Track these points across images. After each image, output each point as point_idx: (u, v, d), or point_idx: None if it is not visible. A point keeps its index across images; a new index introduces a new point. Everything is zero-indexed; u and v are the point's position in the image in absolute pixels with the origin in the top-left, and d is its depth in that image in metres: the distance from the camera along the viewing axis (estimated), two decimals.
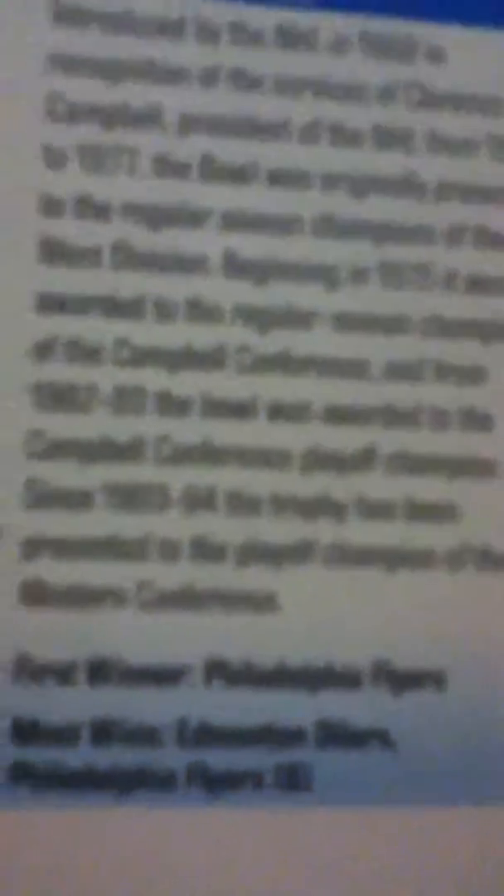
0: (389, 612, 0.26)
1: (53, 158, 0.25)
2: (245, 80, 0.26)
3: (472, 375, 0.27)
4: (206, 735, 0.25)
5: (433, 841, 0.26)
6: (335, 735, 0.26)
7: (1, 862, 0.25)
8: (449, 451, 0.27)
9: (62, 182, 0.25)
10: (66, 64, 0.25)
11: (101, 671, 0.25)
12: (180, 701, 0.25)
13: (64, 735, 0.25)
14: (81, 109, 0.25)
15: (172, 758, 0.25)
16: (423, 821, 0.26)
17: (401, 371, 0.26)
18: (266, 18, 0.26)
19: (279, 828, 0.26)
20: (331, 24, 0.26)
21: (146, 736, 0.25)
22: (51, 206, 0.25)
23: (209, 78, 0.26)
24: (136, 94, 0.25)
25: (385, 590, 0.26)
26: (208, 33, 0.26)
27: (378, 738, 0.26)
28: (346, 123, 0.26)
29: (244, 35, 0.26)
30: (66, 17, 0.25)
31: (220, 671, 0.25)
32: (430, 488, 0.27)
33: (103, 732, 0.25)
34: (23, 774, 0.25)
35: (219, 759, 0.25)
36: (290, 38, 0.26)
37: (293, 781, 0.26)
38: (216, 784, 0.25)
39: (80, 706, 0.25)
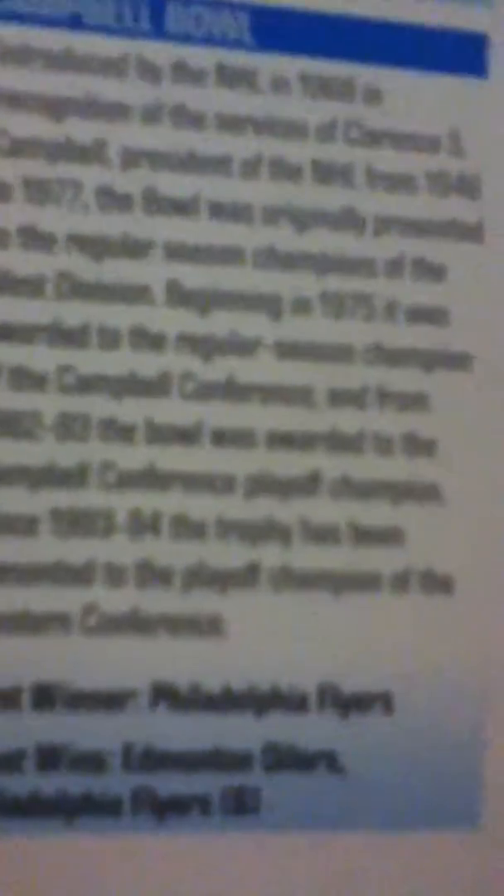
0: (336, 635, 0.27)
1: None
2: (187, 117, 0.27)
3: (415, 402, 0.28)
4: (153, 760, 0.26)
5: (382, 866, 0.26)
6: (283, 758, 0.26)
7: None
8: (393, 475, 0.28)
9: (8, 213, 0.26)
10: (10, 100, 0.26)
11: (45, 696, 0.25)
12: (126, 725, 0.26)
13: (8, 761, 0.25)
14: (25, 144, 0.26)
15: (118, 783, 0.26)
16: (372, 845, 0.26)
17: (344, 398, 0.27)
18: (207, 58, 0.27)
19: (227, 853, 0.26)
20: (271, 64, 0.27)
21: (92, 761, 0.25)
22: None
23: (151, 114, 0.27)
24: (79, 130, 0.26)
25: (331, 613, 0.27)
26: (150, 71, 0.27)
27: (326, 760, 0.26)
28: (286, 159, 0.27)
29: (186, 73, 0.27)
30: (9, 54, 0.26)
31: (166, 695, 0.26)
32: (375, 512, 0.27)
33: (49, 758, 0.25)
34: None
35: (165, 783, 0.26)
36: (230, 77, 0.27)
37: (241, 805, 0.26)
38: (163, 809, 0.26)
39: (24, 731, 0.25)
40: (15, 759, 0.26)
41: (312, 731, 0.27)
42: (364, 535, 0.28)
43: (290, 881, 0.26)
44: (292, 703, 0.27)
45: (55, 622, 0.26)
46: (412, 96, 0.29)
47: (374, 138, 0.28)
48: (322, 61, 0.28)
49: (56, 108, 0.27)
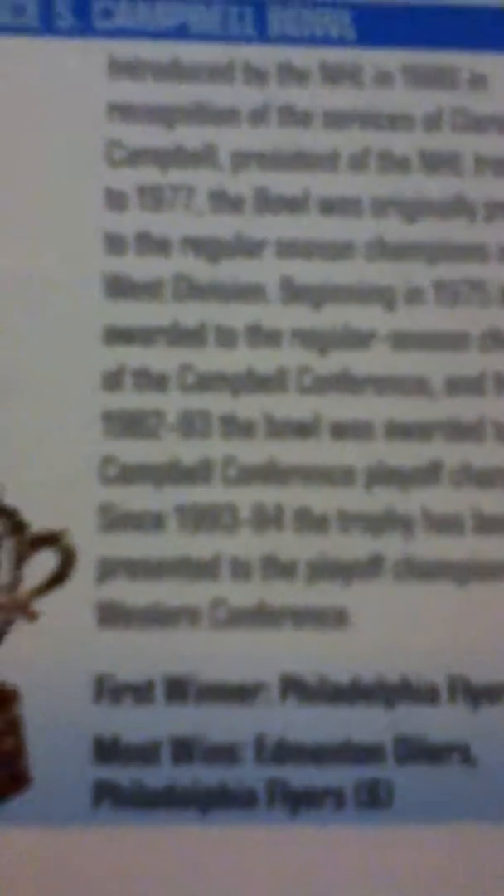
0: (462, 625, 0.28)
1: (115, 200, 0.28)
2: (293, 116, 0.28)
3: None
4: (285, 752, 0.27)
5: None
6: (414, 750, 0.27)
7: (84, 880, 0.26)
8: None
9: (124, 221, 0.28)
10: (124, 112, 0.28)
11: (178, 689, 0.27)
12: (257, 718, 0.27)
13: (144, 753, 0.27)
14: (139, 153, 0.28)
15: (252, 775, 0.27)
16: None
17: (461, 386, 0.28)
18: (310, 57, 0.28)
19: (361, 845, 0.27)
20: (373, 58, 0.29)
21: (225, 753, 0.27)
22: (114, 245, 0.28)
23: (259, 116, 0.28)
24: (190, 136, 0.28)
25: (457, 603, 0.28)
26: (256, 74, 0.28)
27: (458, 753, 0.27)
28: (393, 151, 0.29)
29: (290, 74, 0.28)
30: (122, 68, 0.28)
31: (295, 687, 0.27)
32: (498, 500, 0.28)
33: (183, 750, 0.27)
34: (105, 793, 0.27)
35: (299, 775, 0.27)
36: (334, 74, 0.28)
37: (374, 798, 0.27)
38: (297, 801, 0.27)
39: (159, 724, 0.27)
40: (151, 752, 0.27)
41: (443, 722, 0.28)
42: (487, 523, 0.29)
43: (423, 873, 0.27)
44: (422, 694, 0.28)
45: (185, 616, 0.28)
46: None
47: (480, 124, 0.30)
48: (424, 52, 0.29)
49: (166, 116, 0.29)
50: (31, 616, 0.28)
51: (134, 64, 0.30)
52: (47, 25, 0.30)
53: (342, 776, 0.28)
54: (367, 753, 0.28)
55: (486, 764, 0.28)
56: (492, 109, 0.30)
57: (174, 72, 0.30)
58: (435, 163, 0.30)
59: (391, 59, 0.30)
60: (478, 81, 0.30)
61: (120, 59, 0.30)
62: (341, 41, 0.30)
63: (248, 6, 0.30)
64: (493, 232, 0.30)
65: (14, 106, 0.29)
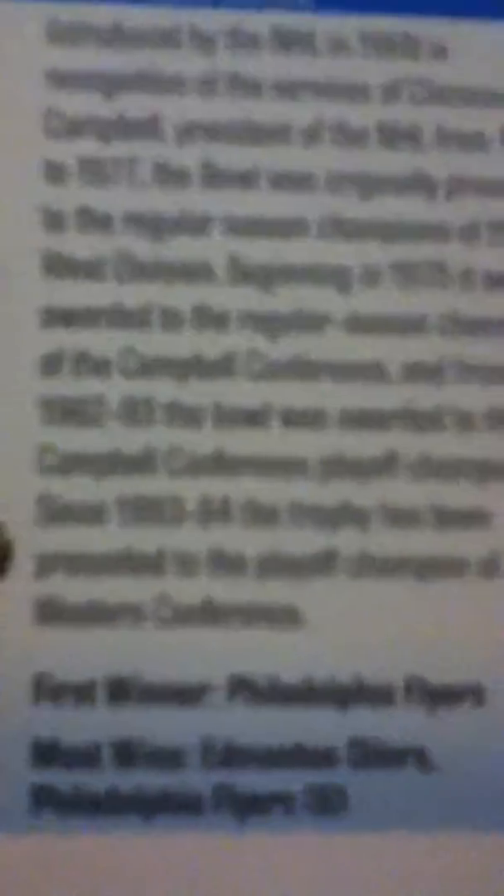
0: (421, 624, 0.29)
1: (54, 173, 0.28)
2: (243, 86, 0.29)
3: (498, 374, 0.29)
4: (233, 756, 0.28)
5: (476, 865, 0.28)
6: (369, 754, 0.28)
7: (23, 890, 0.27)
8: (476, 453, 0.29)
9: (63, 196, 0.28)
10: (63, 79, 0.28)
11: (120, 690, 0.28)
12: (204, 720, 0.28)
13: (85, 757, 0.28)
14: (79, 123, 0.28)
15: (198, 780, 0.28)
16: (465, 844, 0.28)
17: (420, 372, 0.29)
18: (262, 23, 0.29)
19: (313, 852, 0.28)
20: (329, 25, 0.29)
21: (170, 757, 0.28)
22: (53, 221, 0.28)
23: (207, 85, 0.29)
24: (133, 106, 0.28)
25: (415, 601, 0.29)
26: (204, 41, 0.29)
27: (415, 756, 0.28)
28: (349, 123, 0.29)
29: (240, 40, 0.29)
30: (61, 33, 0.28)
31: (244, 689, 0.28)
32: (458, 493, 0.29)
33: (126, 754, 0.28)
34: (44, 798, 0.27)
35: (247, 780, 0.28)
36: (287, 42, 0.29)
37: (326, 804, 0.28)
38: (245, 807, 0.28)
39: (100, 726, 0.28)
40: (92, 755, 0.28)
41: (400, 725, 0.29)
42: (447, 518, 0.30)
43: (379, 882, 0.28)
44: (378, 696, 0.29)
45: (128, 613, 0.29)
46: (480, 49, 0.30)
47: (441, 96, 0.30)
48: (382, 18, 0.30)
49: (108, 84, 0.29)
50: None
51: (74, 28, 0.30)
52: None
53: (293, 781, 0.29)
54: (319, 757, 0.29)
55: (443, 768, 0.29)
56: (454, 80, 0.31)
57: (117, 37, 0.30)
58: (393, 136, 0.31)
59: (347, 25, 0.31)
60: (439, 51, 0.31)
61: (59, 23, 0.30)
62: (295, 6, 0.31)
63: None
64: (454, 210, 0.31)
65: None
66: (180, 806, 0.29)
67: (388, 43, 0.31)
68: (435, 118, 0.31)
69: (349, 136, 0.31)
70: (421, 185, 0.31)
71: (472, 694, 0.30)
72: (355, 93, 0.31)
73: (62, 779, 0.29)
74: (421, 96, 0.31)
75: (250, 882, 0.29)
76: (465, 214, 0.31)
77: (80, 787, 0.29)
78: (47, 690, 0.29)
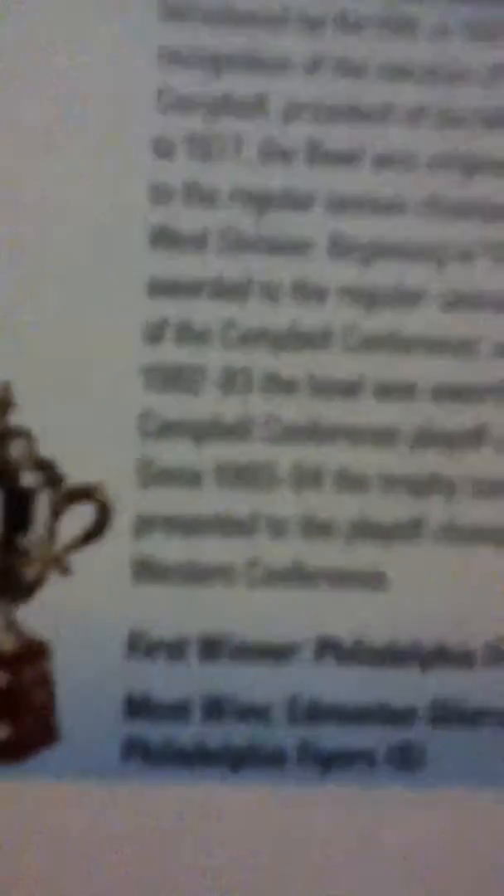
0: (501, 591, 0.29)
1: (162, 148, 0.30)
2: (348, 68, 0.30)
3: None
4: (317, 713, 0.29)
5: None
6: (449, 714, 0.29)
7: (112, 835, 0.29)
8: None
9: (171, 171, 0.30)
10: (175, 58, 0.30)
11: (211, 647, 0.29)
12: (291, 678, 0.29)
13: (175, 711, 0.29)
14: (189, 100, 0.30)
15: (283, 735, 0.29)
16: None
17: None
18: (367, 7, 0.30)
19: (392, 807, 0.29)
20: (433, 10, 0.30)
21: (256, 713, 0.29)
22: (160, 194, 0.30)
23: (313, 67, 0.30)
24: (240, 85, 0.30)
25: (497, 568, 0.30)
26: (310, 22, 0.30)
27: (493, 717, 0.29)
28: (451, 106, 0.30)
29: (346, 24, 0.30)
30: (173, 13, 0.30)
31: (330, 649, 0.29)
32: None
33: (214, 709, 0.29)
34: (134, 749, 0.29)
35: (330, 736, 0.29)
36: (392, 26, 0.30)
37: (406, 760, 0.29)
38: (327, 762, 0.29)
39: (191, 682, 0.29)
40: (182, 710, 0.30)
41: (479, 687, 0.30)
42: None
43: (454, 835, 0.30)
44: (458, 658, 0.30)
45: (220, 574, 0.30)
46: None
47: None
48: (484, 4, 0.31)
49: (217, 63, 0.30)
50: (66, 570, 0.31)
51: (185, 9, 0.32)
52: None
53: (374, 738, 0.31)
54: (400, 716, 0.31)
55: None
56: None
57: (226, 18, 0.32)
58: (494, 119, 0.32)
59: (451, 11, 0.32)
60: None
61: (171, 4, 0.32)
62: None
63: None
64: None
65: (67, 49, 0.31)
66: (265, 760, 0.31)
67: (490, 28, 0.32)
68: None
69: (451, 119, 0.32)
70: None
71: None
72: (457, 76, 0.32)
73: (153, 731, 0.31)
74: None
75: (331, 832, 0.30)
76: None
77: (170, 739, 0.31)
78: (141, 646, 0.31)
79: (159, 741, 0.30)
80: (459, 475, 0.31)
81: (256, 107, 0.32)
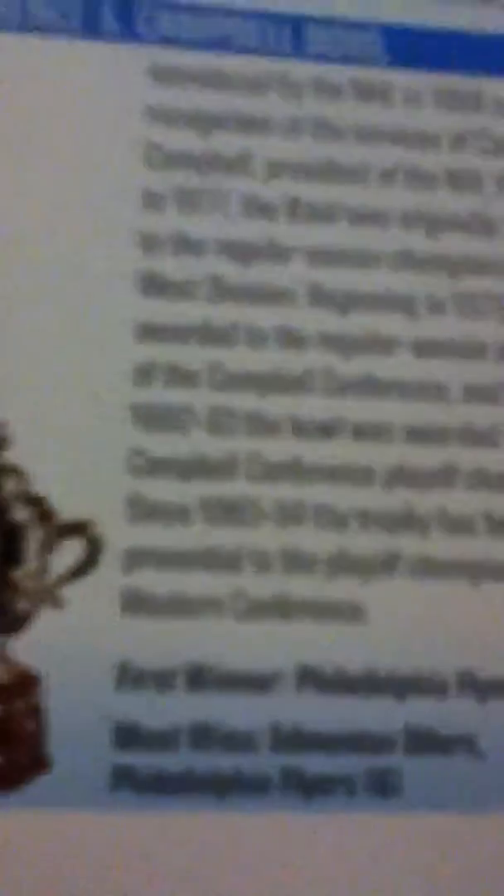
0: (473, 623, 0.32)
1: (151, 201, 0.32)
2: (326, 130, 0.32)
3: None
4: (299, 740, 0.31)
5: None
6: (423, 741, 0.31)
7: (101, 864, 0.30)
8: None
9: (160, 222, 0.31)
10: (163, 116, 0.32)
11: (198, 677, 0.30)
12: (274, 706, 0.31)
13: (163, 739, 0.30)
14: (177, 157, 0.32)
15: (267, 762, 0.30)
16: None
17: (478, 394, 0.32)
18: (344, 74, 0.32)
19: (371, 832, 0.30)
20: (404, 79, 0.33)
21: (241, 741, 0.30)
22: (150, 244, 0.31)
23: (293, 128, 0.32)
24: (226, 143, 0.32)
25: (469, 601, 0.32)
26: (291, 88, 0.32)
27: (465, 744, 0.31)
28: (420, 167, 0.33)
29: (324, 89, 0.32)
30: (162, 74, 0.32)
31: (311, 678, 0.31)
32: None
33: (201, 737, 0.30)
34: (123, 778, 0.30)
35: (312, 763, 0.30)
36: (366, 92, 0.33)
37: (384, 786, 0.31)
38: (310, 788, 0.30)
39: (178, 711, 0.30)
40: (170, 738, 0.31)
41: (452, 715, 0.32)
42: (499, 525, 0.32)
43: (431, 861, 0.31)
44: (432, 688, 0.32)
45: (206, 606, 0.31)
46: None
47: (502, 147, 0.34)
48: (452, 76, 0.34)
49: (204, 123, 0.32)
50: (58, 603, 0.32)
51: (174, 71, 0.34)
52: (92, 29, 0.33)
53: (354, 765, 0.32)
54: (378, 743, 0.32)
55: (493, 756, 0.32)
56: None
57: (213, 81, 0.34)
58: (459, 181, 0.35)
59: (421, 80, 0.35)
60: (501, 106, 0.35)
61: (161, 66, 0.34)
62: (374, 61, 0.34)
63: (286, 23, 0.34)
64: None
65: (58, 105, 0.33)
66: (250, 787, 0.32)
67: (457, 97, 0.35)
68: (497, 167, 0.35)
69: (420, 180, 0.35)
70: (483, 225, 0.35)
71: None
72: (426, 141, 0.35)
73: (142, 760, 0.32)
74: (485, 147, 0.35)
75: (314, 858, 0.32)
76: None
77: (158, 768, 0.32)
78: (130, 677, 0.32)
79: (148, 770, 0.32)
80: (431, 512, 0.33)
81: (240, 164, 0.34)
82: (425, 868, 0.32)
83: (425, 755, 0.32)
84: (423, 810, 0.32)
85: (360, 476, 0.33)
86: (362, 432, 0.33)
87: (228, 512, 0.33)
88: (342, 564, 0.33)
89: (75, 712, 0.31)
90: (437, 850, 0.32)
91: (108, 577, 0.32)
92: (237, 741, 0.32)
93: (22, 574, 0.32)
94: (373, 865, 0.32)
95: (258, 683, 0.32)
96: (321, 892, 0.32)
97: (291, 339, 0.33)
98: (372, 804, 0.32)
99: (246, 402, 0.33)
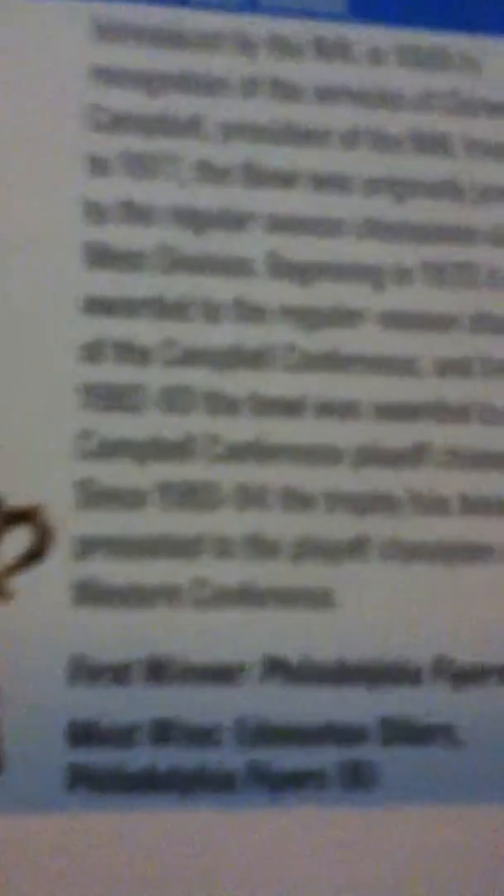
0: (448, 607, 0.30)
1: (96, 166, 0.30)
2: (284, 90, 0.31)
3: None
4: (266, 734, 0.29)
5: (500, 838, 0.29)
6: (398, 732, 0.30)
7: (58, 867, 0.28)
8: (501, 445, 0.31)
9: (106, 189, 0.30)
10: (107, 76, 0.30)
11: (157, 670, 0.29)
12: (238, 699, 0.29)
13: (122, 736, 0.29)
14: (123, 119, 0.30)
15: (232, 758, 0.29)
16: (493, 818, 0.29)
17: (450, 367, 0.31)
18: (303, 30, 0.31)
19: (345, 827, 0.29)
20: (367, 35, 0.31)
21: (205, 735, 0.29)
22: (95, 212, 0.30)
23: (249, 88, 0.31)
24: (177, 105, 0.30)
25: (442, 585, 0.30)
26: (247, 45, 0.31)
27: (443, 734, 0.30)
28: (384, 130, 0.31)
29: (282, 46, 0.31)
30: (106, 31, 0.30)
31: (278, 669, 0.29)
32: (484, 483, 0.31)
33: (162, 732, 0.29)
34: (80, 778, 0.28)
35: (280, 758, 0.29)
36: (327, 50, 0.31)
37: (357, 780, 0.29)
38: (278, 784, 0.29)
39: (137, 706, 0.29)
40: (129, 735, 0.29)
41: (428, 704, 0.30)
42: (473, 505, 0.31)
43: (408, 855, 0.30)
44: (406, 676, 0.30)
45: (165, 595, 0.30)
46: None
47: (470, 108, 0.32)
48: (417, 32, 0.32)
49: (152, 83, 0.31)
50: (6, 595, 0.30)
51: (118, 27, 0.32)
52: None
53: (325, 758, 0.31)
54: (350, 735, 0.31)
55: (471, 745, 0.31)
56: (484, 93, 0.33)
57: (162, 38, 0.32)
58: (425, 144, 0.33)
59: (384, 37, 0.33)
60: (470, 64, 0.33)
61: (104, 22, 0.32)
62: (334, 16, 0.33)
63: None
64: (483, 215, 0.33)
65: None
66: (215, 783, 0.30)
67: (421, 54, 0.33)
68: (464, 128, 0.33)
69: (384, 142, 0.33)
70: (451, 190, 0.33)
71: (497, 673, 0.31)
72: (389, 101, 0.33)
73: (99, 758, 0.30)
74: (452, 107, 0.33)
75: (283, 857, 0.30)
76: (492, 219, 0.33)
77: (117, 766, 0.30)
78: (83, 672, 0.30)
79: (105, 768, 0.30)
80: (402, 492, 0.32)
81: (192, 127, 0.32)
82: (404, 862, 0.31)
83: (401, 746, 0.31)
84: (401, 803, 0.31)
85: (326, 456, 0.32)
86: (328, 410, 0.32)
87: (186, 496, 0.31)
88: (309, 549, 0.31)
89: (27, 710, 0.30)
90: (416, 843, 0.31)
91: (59, 567, 0.30)
92: (200, 736, 0.30)
93: None
94: (349, 861, 0.30)
95: (222, 675, 0.31)
96: (295, 889, 0.30)
97: (250, 312, 0.32)
98: (346, 798, 0.31)
99: (203, 379, 0.31)
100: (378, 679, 0.31)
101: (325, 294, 0.32)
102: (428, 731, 0.31)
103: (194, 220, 0.32)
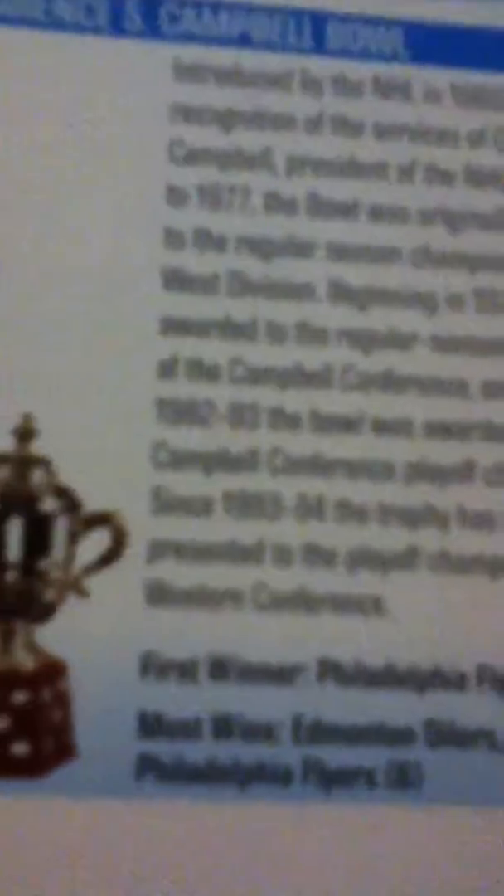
0: (492, 617, 0.32)
1: (176, 197, 0.33)
2: (346, 126, 0.33)
3: None
4: (320, 732, 0.32)
5: None
6: (443, 735, 0.32)
7: (125, 851, 0.31)
8: None
9: (183, 218, 0.32)
10: (186, 113, 0.33)
11: (220, 668, 0.31)
12: (295, 698, 0.32)
13: (187, 729, 0.31)
14: (200, 153, 0.33)
15: (288, 753, 0.31)
16: None
17: (497, 390, 0.33)
18: (364, 71, 0.33)
19: (391, 824, 0.31)
20: (424, 75, 0.34)
21: (263, 731, 0.31)
22: (174, 240, 0.32)
23: (314, 124, 0.33)
24: (248, 139, 0.33)
25: (488, 596, 0.33)
26: (312, 84, 0.33)
27: (485, 738, 0.32)
28: (439, 164, 0.34)
29: (345, 86, 0.33)
30: (186, 71, 0.33)
31: (332, 670, 0.32)
32: None
33: (223, 727, 0.31)
34: (148, 767, 0.31)
35: (333, 755, 0.31)
36: (386, 89, 0.34)
37: (404, 779, 0.32)
38: (331, 780, 0.31)
39: (201, 701, 0.31)
40: (193, 728, 0.32)
41: (472, 709, 0.33)
42: None
43: (450, 853, 0.32)
44: (452, 681, 0.33)
45: (229, 598, 0.32)
46: None
47: None
48: (471, 72, 0.35)
49: (226, 119, 0.33)
50: (83, 593, 0.33)
51: (197, 68, 0.35)
52: (116, 26, 0.34)
53: (374, 757, 0.33)
54: (398, 736, 0.33)
55: None
56: None
57: (235, 77, 0.35)
58: (478, 178, 0.35)
59: (440, 77, 0.36)
60: None
61: (184, 63, 0.35)
62: (394, 58, 0.35)
63: (307, 19, 0.35)
64: None
65: (84, 103, 0.34)
66: (272, 777, 0.33)
67: (475, 93, 0.36)
68: None
69: (439, 176, 0.36)
70: (501, 221, 0.36)
71: None
72: (445, 138, 0.36)
73: (165, 749, 0.33)
74: (503, 143, 0.36)
75: (334, 848, 0.33)
76: None
77: (182, 757, 0.33)
78: (154, 667, 0.33)
79: (171, 759, 0.32)
80: (451, 507, 0.34)
81: (262, 160, 0.35)
82: (444, 861, 0.33)
83: (445, 748, 0.33)
84: (443, 803, 0.33)
85: (380, 471, 0.34)
86: (382, 427, 0.34)
87: (250, 505, 0.34)
88: (362, 558, 0.34)
89: (101, 701, 0.32)
90: (456, 843, 0.33)
91: (132, 568, 0.33)
92: (259, 732, 0.33)
93: (48, 564, 0.33)
94: (392, 857, 0.33)
95: (280, 675, 0.33)
96: (341, 882, 0.33)
97: (312, 334, 0.34)
98: (392, 796, 0.33)
99: (267, 396, 0.34)
100: (425, 683, 0.33)
101: (381, 318, 0.35)
102: (471, 735, 0.33)
103: (262, 247, 0.34)
